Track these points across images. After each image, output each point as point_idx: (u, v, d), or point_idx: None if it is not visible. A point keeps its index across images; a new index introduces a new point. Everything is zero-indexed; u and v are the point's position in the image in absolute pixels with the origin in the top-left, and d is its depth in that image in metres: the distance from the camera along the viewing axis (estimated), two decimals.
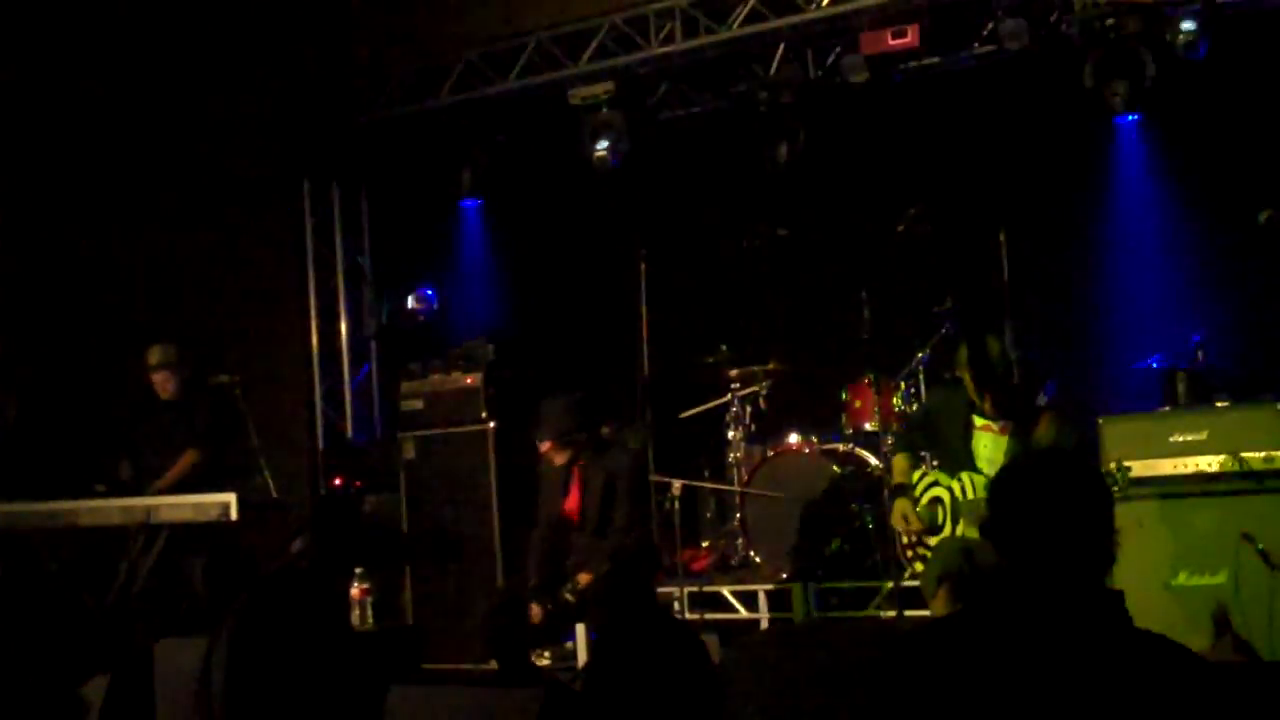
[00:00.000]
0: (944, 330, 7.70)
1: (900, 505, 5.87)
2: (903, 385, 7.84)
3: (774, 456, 7.95)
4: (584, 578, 6.35)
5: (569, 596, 6.32)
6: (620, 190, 9.16)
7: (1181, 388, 7.15)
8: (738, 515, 8.00)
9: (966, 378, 5.66)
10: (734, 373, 8.33)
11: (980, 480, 5.66)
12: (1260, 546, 5.95)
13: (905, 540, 5.98)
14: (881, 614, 7.12)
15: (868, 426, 7.87)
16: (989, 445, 5.70)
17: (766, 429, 8.30)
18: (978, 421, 5.70)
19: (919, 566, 5.89)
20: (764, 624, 7.45)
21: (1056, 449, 5.17)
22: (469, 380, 8.39)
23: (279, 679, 2.64)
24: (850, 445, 7.84)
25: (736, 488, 8.02)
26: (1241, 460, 6.35)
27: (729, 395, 8.31)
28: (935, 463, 6.12)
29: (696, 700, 2.84)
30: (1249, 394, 6.78)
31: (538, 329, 9.59)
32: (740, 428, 8.26)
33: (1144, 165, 8.37)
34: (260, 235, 9.88)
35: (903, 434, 6.40)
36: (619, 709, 2.84)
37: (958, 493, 5.73)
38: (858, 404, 7.95)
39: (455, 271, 10.22)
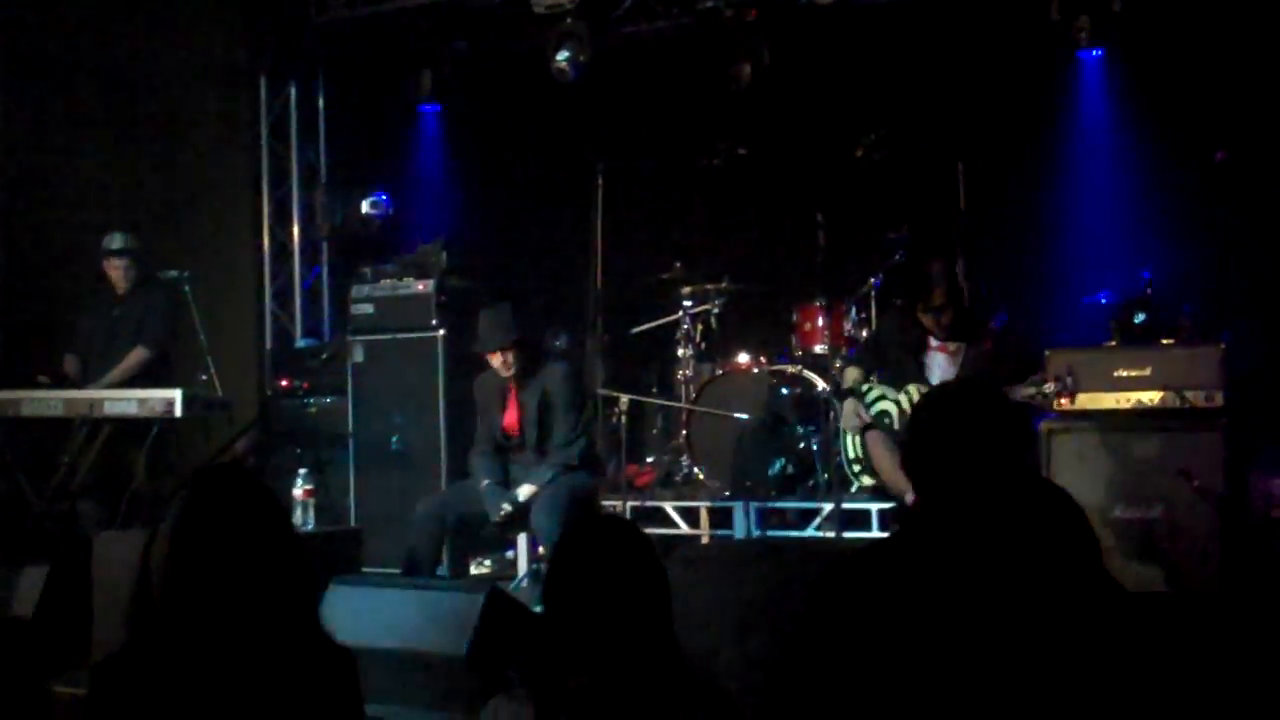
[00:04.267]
0: (897, 256, 7.70)
1: (850, 405, 5.92)
2: (853, 309, 7.85)
3: (722, 375, 7.97)
4: (527, 488, 6.36)
5: (510, 505, 6.34)
6: (581, 102, 9.08)
7: (1129, 324, 7.22)
8: (684, 432, 8.02)
9: (923, 301, 5.70)
10: (686, 290, 8.32)
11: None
12: (1196, 483, 6.04)
13: (852, 455, 6.03)
14: (822, 535, 7.18)
15: (817, 349, 7.89)
16: (943, 365, 5.75)
17: (716, 348, 8.31)
18: (932, 343, 5.75)
19: (866, 480, 5.95)
20: (705, 540, 7.50)
21: (973, 380, 5.20)
22: (420, 286, 8.32)
23: (219, 574, 2.62)
24: (798, 367, 7.86)
25: (683, 405, 8.04)
26: (1183, 397, 6.44)
27: (681, 313, 8.30)
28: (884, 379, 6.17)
29: (650, 604, 2.86)
30: (1195, 334, 6.85)
31: (492, 238, 9.54)
32: (690, 345, 8.26)
33: (1105, 100, 8.38)
34: (215, 132, 9.74)
35: (856, 353, 6.43)
36: (576, 611, 2.86)
37: (904, 405, 5.78)
38: (808, 326, 7.97)
39: (411, 176, 10.15)
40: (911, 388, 5.78)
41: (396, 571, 6.59)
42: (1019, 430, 2.92)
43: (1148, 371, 6.47)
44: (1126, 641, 2.62)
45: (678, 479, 8.04)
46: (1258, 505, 6.29)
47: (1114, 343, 6.91)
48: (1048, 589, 2.58)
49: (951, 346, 5.69)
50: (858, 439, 5.93)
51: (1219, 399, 6.36)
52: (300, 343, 9.82)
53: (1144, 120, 8.14)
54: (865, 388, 5.96)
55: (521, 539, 7.35)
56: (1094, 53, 8.37)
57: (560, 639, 2.88)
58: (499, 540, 7.54)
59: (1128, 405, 6.51)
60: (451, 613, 4.98)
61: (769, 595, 4.15)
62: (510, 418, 6.52)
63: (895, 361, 5.88)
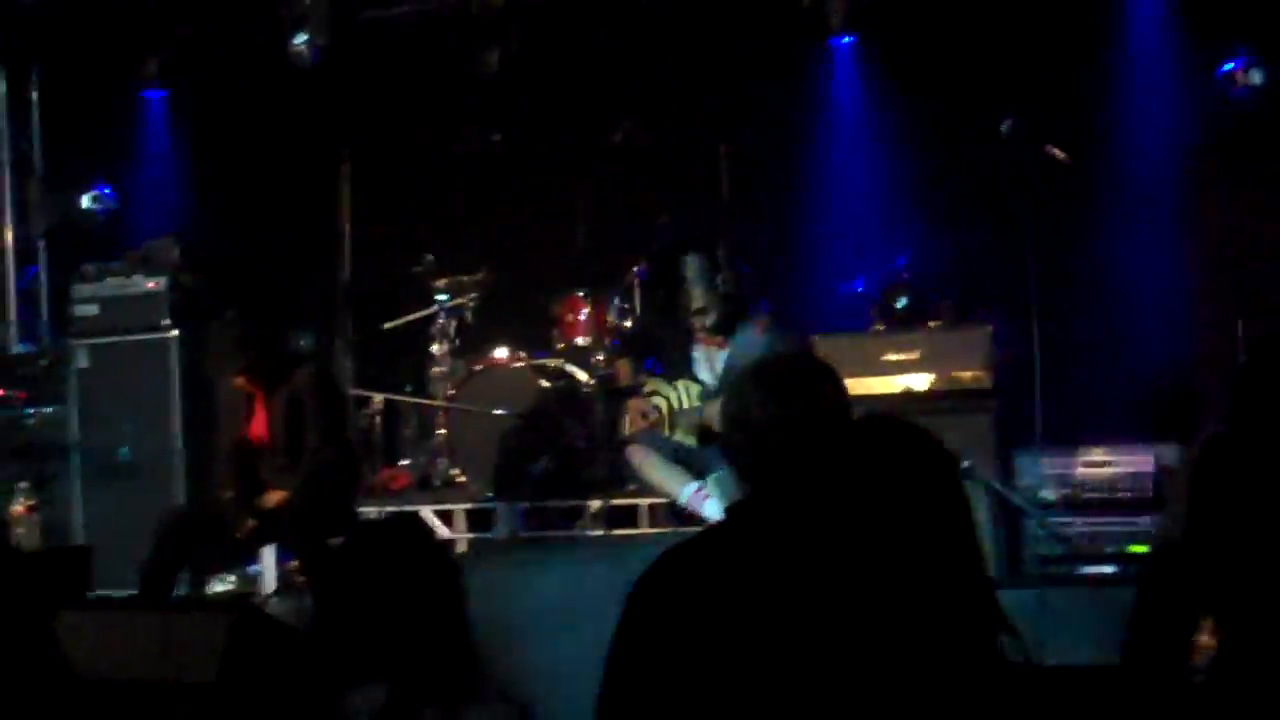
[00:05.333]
0: (660, 245, 7.46)
1: (634, 404, 5.67)
2: (616, 300, 7.57)
3: (481, 371, 7.61)
4: (274, 496, 5.87)
5: (256, 517, 5.84)
6: (323, 88, 8.59)
7: (891, 309, 7.17)
8: (441, 432, 7.63)
9: (682, 301, 5.51)
10: (441, 283, 7.93)
11: (696, 389, 5.52)
12: (966, 464, 5.98)
13: None
14: (588, 533, 6.91)
15: (579, 342, 7.61)
16: (712, 360, 5.55)
17: (473, 343, 7.94)
18: (699, 337, 5.55)
19: None
20: (462, 544, 7.14)
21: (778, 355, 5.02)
22: (150, 284, 7.71)
23: None
24: (561, 361, 7.56)
25: (441, 403, 7.65)
26: (952, 380, 6.41)
27: (435, 307, 7.90)
28: (656, 371, 5.94)
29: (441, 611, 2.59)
30: (957, 317, 6.85)
31: (229, 232, 8.93)
32: (446, 341, 7.87)
33: (858, 86, 8.36)
34: None
35: (625, 341, 6.21)
36: (361, 622, 2.57)
37: (674, 401, 5.56)
38: (570, 318, 7.66)
39: (137, 167, 9.45)
40: (681, 384, 5.55)
41: (130, 593, 6.02)
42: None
43: (916, 355, 6.44)
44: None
45: (435, 481, 7.63)
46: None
47: (880, 327, 6.85)
48: (904, 577, 2.30)
49: (718, 340, 5.49)
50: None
51: (987, 380, 6.35)
52: (16, 348, 9.04)
53: (896, 106, 8.13)
54: (641, 380, 5.73)
55: (268, 552, 6.86)
56: (846, 39, 8.34)
57: (339, 655, 2.58)
58: (243, 555, 7.02)
59: (896, 390, 6.46)
60: (197, 637, 4.51)
61: (562, 597, 3.84)
62: (258, 426, 6.02)
63: (665, 355, 5.65)
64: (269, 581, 7.04)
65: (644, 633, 2.49)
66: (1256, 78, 7.02)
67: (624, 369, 5.80)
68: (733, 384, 2.77)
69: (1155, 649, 2.75)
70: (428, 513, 7.16)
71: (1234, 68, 7.06)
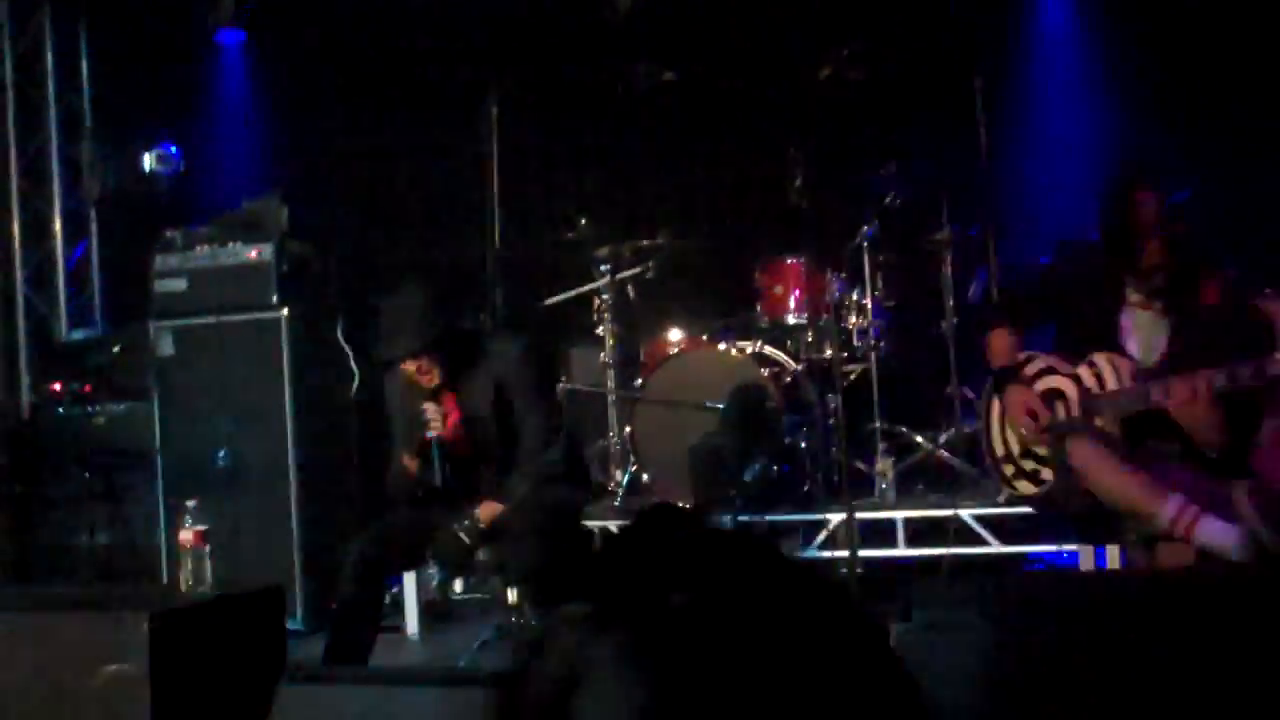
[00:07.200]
0: (890, 198, 6.12)
1: (1017, 393, 4.26)
2: (835, 268, 6.19)
3: (672, 355, 6.24)
4: (488, 509, 4.51)
5: (467, 536, 4.47)
6: (455, 20, 7.18)
7: None
8: (623, 429, 6.26)
9: (1129, 255, 4.14)
10: (603, 251, 6.54)
11: (1126, 365, 4.11)
12: None
13: (1006, 450, 4.37)
14: (829, 554, 5.57)
15: (790, 319, 6.26)
16: (1144, 325, 4.16)
17: (645, 321, 6.57)
18: (1131, 296, 4.17)
19: (1024, 487, 4.31)
20: None
21: None
22: (254, 253, 6.31)
23: None
24: (775, 341, 6.20)
25: (625, 393, 6.27)
26: None
27: (600, 279, 6.52)
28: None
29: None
30: None
31: (333, 194, 7.53)
32: (614, 319, 6.49)
33: None
34: None
35: (1003, 305, 4.83)
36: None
37: (1089, 381, 4.15)
38: (778, 289, 6.30)
39: (208, 122, 8.05)
40: (1101, 358, 4.11)
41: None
42: None
43: None
44: None
45: (620, 490, 6.25)
46: None
47: None
48: None
49: (1157, 305, 4.12)
50: (1009, 431, 4.30)
51: None
52: (73, 335, 7.62)
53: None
54: (1024, 358, 4.32)
55: (410, 577, 5.52)
56: None
57: None
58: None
59: None
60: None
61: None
62: (450, 426, 4.65)
63: (1076, 314, 4.24)
64: (412, 610, 5.72)
65: None
66: None
67: (998, 342, 4.36)
68: None
69: None
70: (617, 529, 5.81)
71: None
